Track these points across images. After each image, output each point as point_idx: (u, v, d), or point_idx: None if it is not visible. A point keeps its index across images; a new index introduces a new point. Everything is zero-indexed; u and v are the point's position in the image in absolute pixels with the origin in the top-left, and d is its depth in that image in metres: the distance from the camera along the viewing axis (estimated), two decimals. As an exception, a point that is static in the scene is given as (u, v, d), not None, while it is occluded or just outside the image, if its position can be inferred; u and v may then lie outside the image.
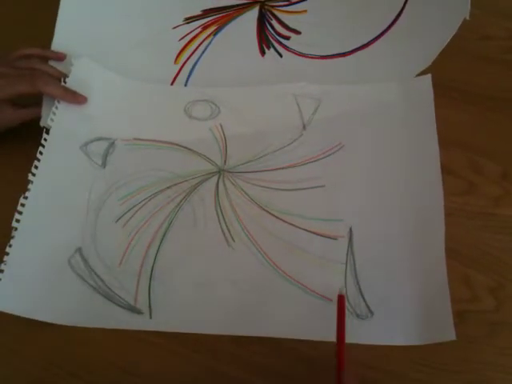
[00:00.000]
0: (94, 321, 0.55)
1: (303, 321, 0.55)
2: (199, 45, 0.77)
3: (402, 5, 0.74)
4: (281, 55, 0.75)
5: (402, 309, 0.54)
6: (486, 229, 0.59)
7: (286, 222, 0.60)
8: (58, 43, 0.75)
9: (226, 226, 0.60)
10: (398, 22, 0.73)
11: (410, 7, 0.73)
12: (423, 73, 0.68)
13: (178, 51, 0.76)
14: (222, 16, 0.80)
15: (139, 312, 0.56)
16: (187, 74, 0.74)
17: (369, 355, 0.53)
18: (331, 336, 0.53)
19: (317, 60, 0.74)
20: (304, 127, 0.66)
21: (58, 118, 0.66)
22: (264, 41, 0.77)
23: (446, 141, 0.63)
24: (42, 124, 0.66)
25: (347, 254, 0.58)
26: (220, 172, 0.64)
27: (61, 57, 0.72)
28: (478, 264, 0.57)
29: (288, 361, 0.53)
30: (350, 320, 0.54)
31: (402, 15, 0.73)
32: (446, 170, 0.62)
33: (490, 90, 0.68)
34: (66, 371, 0.53)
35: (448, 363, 0.52)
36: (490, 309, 0.55)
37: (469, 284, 0.56)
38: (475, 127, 0.66)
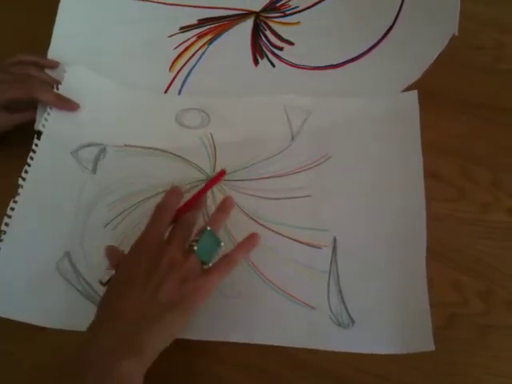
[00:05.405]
0: (81, 324, 0.55)
1: (287, 328, 0.56)
2: (194, 53, 0.78)
3: (393, 19, 0.75)
4: (273, 65, 0.76)
5: (383, 318, 0.55)
6: (475, 234, 0.60)
7: (272, 230, 0.61)
8: (55, 50, 0.76)
9: (213, 234, 0.61)
10: (388, 36, 0.74)
11: (401, 22, 0.74)
12: (416, 81, 0.69)
13: (172, 59, 0.77)
14: (218, 26, 0.81)
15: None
16: (181, 82, 0.75)
17: (358, 358, 0.53)
18: (315, 344, 0.54)
19: (308, 71, 0.74)
20: (292, 138, 0.67)
21: (50, 124, 0.67)
22: (258, 51, 0.77)
23: (437, 148, 0.64)
24: (36, 128, 0.67)
25: (331, 263, 0.58)
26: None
27: (54, 65, 0.72)
28: (467, 269, 0.58)
29: (282, 364, 0.54)
30: (331, 328, 0.55)
31: (393, 30, 0.74)
32: (437, 177, 0.63)
33: (480, 98, 0.69)
34: (64, 373, 0.53)
35: (438, 366, 0.53)
36: (480, 312, 0.56)
37: (458, 288, 0.57)
38: (466, 135, 0.66)
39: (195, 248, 0.50)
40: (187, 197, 0.57)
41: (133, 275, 0.49)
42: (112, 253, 0.54)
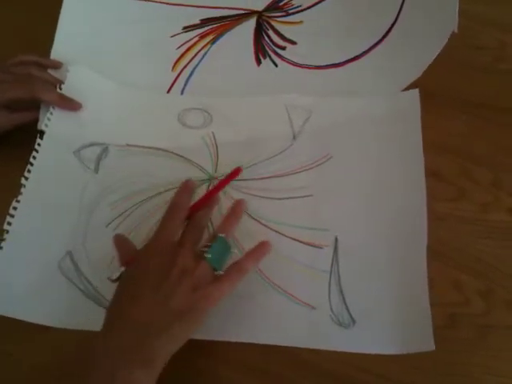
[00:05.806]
0: (83, 324, 0.56)
1: (287, 328, 0.56)
2: (197, 53, 0.78)
3: (394, 18, 0.75)
4: (276, 65, 0.76)
5: (384, 318, 0.55)
6: (475, 233, 0.60)
7: (273, 230, 0.61)
8: (58, 50, 0.76)
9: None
10: (389, 36, 0.75)
11: (402, 21, 0.74)
12: (417, 80, 0.69)
13: (175, 59, 0.77)
14: (220, 25, 0.81)
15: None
16: (184, 82, 0.75)
17: (359, 358, 0.53)
18: (316, 344, 0.54)
19: (310, 70, 0.74)
20: (294, 137, 0.67)
21: (53, 124, 0.67)
22: (260, 50, 0.77)
23: (437, 148, 0.64)
24: (39, 127, 0.67)
25: (332, 263, 0.58)
26: (210, 180, 0.65)
27: (57, 65, 0.73)
28: (467, 268, 0.58)
29: (284, 364, 0.54)
30: (332, 328, 0.55)
31: (394, 28, 0.75)
32: (438, 176, 0.63)
33: (480, 98, 0.69)
34: (64, 373, 0.53)
35: (438, 366, 0.53)
36: (480, 312, 0.56)
37: (459, 288, 0.57)
38: (466, 135, 0.66)
39: (207, 255, 0.50)
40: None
41: (145, 278, 0.48)
42: (122, 244, 0.54)
